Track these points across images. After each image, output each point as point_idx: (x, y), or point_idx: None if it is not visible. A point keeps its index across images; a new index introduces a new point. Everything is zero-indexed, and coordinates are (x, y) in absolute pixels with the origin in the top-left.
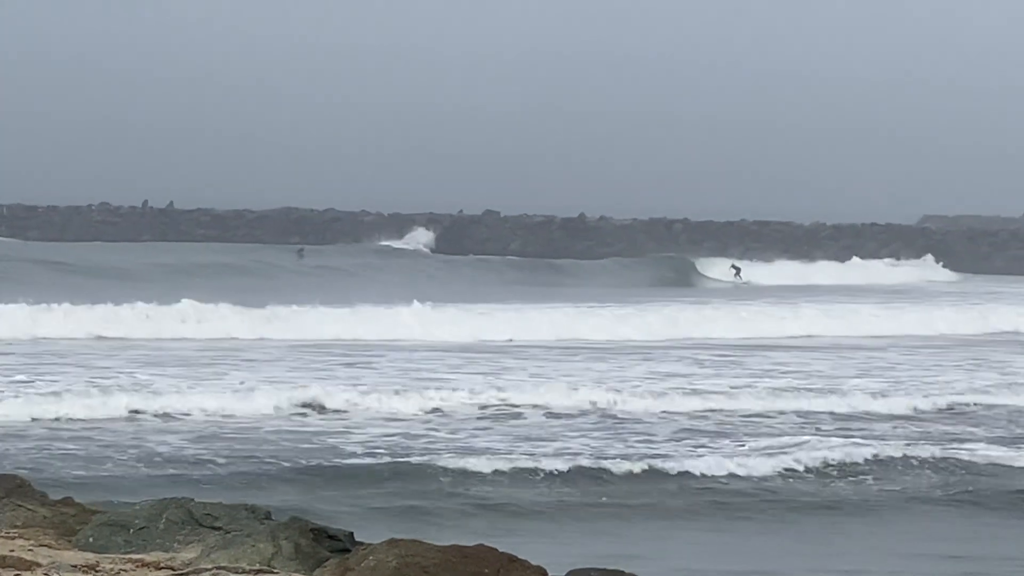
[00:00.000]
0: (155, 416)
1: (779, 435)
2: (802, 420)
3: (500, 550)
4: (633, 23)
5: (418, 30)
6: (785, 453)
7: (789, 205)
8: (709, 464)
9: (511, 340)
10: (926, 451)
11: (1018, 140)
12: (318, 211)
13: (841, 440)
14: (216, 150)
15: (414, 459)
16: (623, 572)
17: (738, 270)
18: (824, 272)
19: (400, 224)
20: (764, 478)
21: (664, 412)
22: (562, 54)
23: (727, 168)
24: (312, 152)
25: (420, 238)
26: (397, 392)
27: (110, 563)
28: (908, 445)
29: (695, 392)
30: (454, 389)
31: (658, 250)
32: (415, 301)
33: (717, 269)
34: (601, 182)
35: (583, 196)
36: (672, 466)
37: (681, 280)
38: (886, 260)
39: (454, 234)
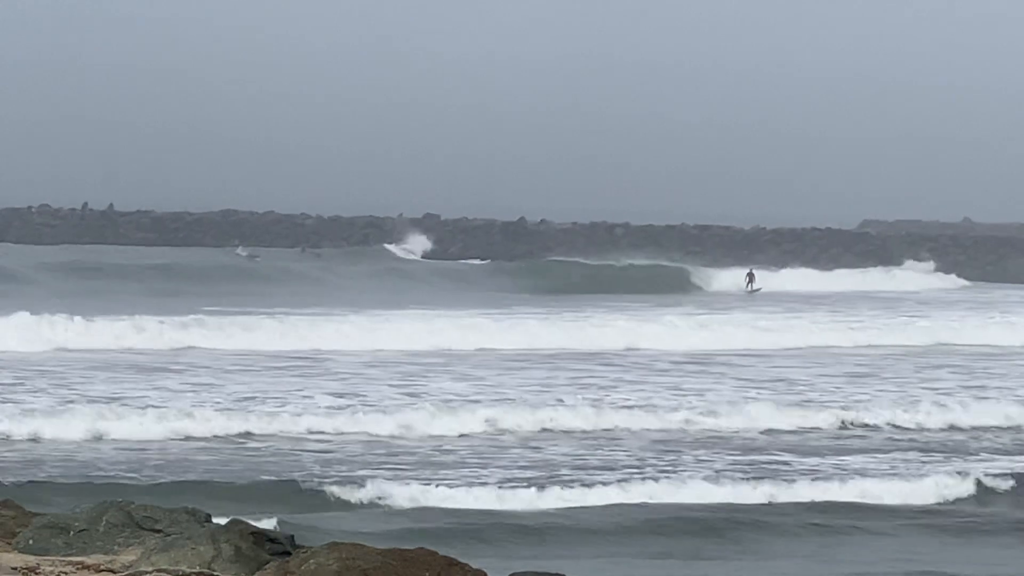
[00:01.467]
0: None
1: None
2: None
3: (440, 553)
4: (574, 27)
5: (365, 28)
6: None
7: (730, 209)
8: None
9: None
10: None
11: (957, 145)
12: (258, 213)
13: None
14: (157, 151)
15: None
16: (562, 575)
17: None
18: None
19: (340, 227)
20: None
21: None
22: (501, 59)
23: (668, 171)
24: (253, 153)
25: (364, 241)
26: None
27: (50, 565)
28: None
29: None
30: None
31: (599, 254)
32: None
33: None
34: (542, 185)
35: (523, 199)
36: None
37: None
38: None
39: (394, 238)
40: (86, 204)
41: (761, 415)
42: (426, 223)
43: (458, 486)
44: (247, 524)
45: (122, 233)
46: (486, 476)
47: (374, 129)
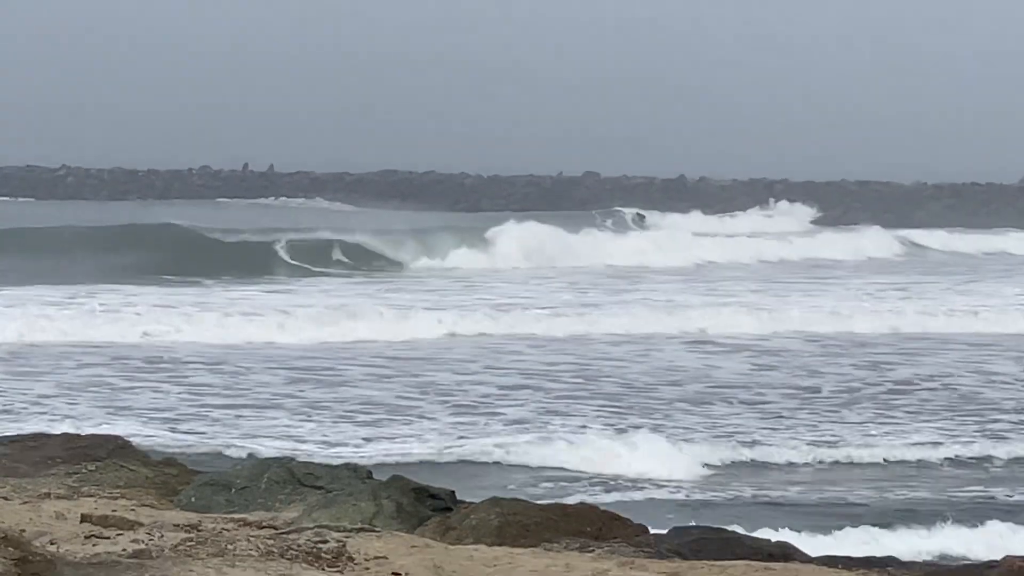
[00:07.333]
0: None
1: None
2: None
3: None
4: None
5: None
6: None
7: (883, 162)
8: None
9: None
10: None
11: None
12: (418, 173)
13: None
14: (316, 114)
15: None
16: (724, 529)
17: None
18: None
19: (500, 186)
20: None
21: None
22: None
23: (822, 124)
24: (411, 113)
25: (524, 200)
26: None
27: (212, 522)
28: None
29: None
30: None
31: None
32: None
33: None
34: (696, 141)
35: (682, 156)
36: None
37: None
38: None
39: (553, 196)
40: (246, 165)
41: None
42: (586, 181)
43: None
44: (408, 480)
45: (282, 194)
46: None
47: (528, 90)
